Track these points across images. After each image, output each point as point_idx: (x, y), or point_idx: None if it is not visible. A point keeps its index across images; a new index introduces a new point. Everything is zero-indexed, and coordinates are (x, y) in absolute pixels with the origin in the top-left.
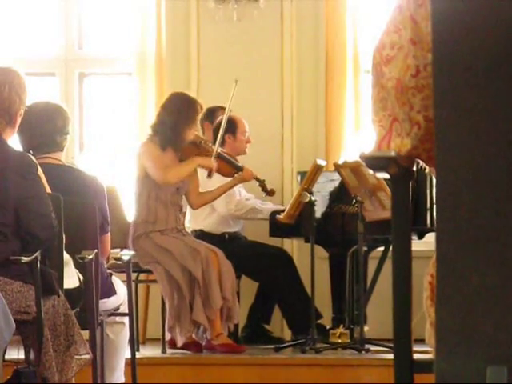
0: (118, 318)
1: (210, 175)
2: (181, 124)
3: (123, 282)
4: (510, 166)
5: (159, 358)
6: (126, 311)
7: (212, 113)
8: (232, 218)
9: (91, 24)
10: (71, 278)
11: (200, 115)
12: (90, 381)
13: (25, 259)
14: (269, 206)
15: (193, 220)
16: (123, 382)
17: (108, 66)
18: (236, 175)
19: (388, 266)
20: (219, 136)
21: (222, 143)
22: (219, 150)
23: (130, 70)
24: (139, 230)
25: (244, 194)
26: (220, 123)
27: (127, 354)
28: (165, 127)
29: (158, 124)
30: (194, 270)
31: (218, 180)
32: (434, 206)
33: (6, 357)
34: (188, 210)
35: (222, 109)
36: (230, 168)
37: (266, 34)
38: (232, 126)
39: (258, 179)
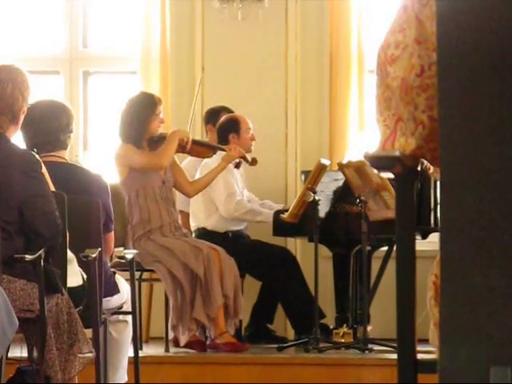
0: (121, 317)
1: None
2: (142, 117)
3: (126, 280)
4: None
5: (162, 357)
6: (130, 310)
7: (214, 114)
8: (230, 218)
9: (96, 22)
10: (75, 277)
11: (159, 106)
12: (93, 379)
13: (28, 257)
14: (270, 210)
15: (195, 218)
16: (126, 380)
17: (112, 65)
18: (224, 156)
19: (392, 265)
20: (190, 118)
21: (227, 142)
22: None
23: (134, 68)
24: (138, 231)
25: (246, 195)
26: (222, 123)
27: (130, 352)
28: (128, 128)
29: (121, 128)
30: (196, 268)
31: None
32: (438, 206)
33: (9, 355)
34: (190, 210)
35: (225, 109)
36: (205, 149)
37: (270, 33)
38: (235, 125)
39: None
